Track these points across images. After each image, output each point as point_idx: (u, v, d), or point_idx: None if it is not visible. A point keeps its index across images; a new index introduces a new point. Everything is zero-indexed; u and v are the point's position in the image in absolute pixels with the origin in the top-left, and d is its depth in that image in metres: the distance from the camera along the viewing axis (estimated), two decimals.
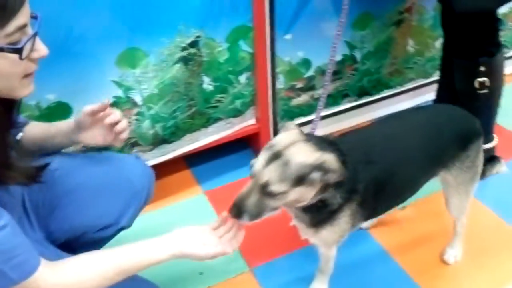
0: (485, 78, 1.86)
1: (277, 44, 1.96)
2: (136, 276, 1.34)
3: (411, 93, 2.41)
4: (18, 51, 0.93)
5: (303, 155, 1.15)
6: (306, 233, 1.38)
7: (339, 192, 1.24)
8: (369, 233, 1.84)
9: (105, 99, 1.26)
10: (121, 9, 1.59)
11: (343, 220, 1.31)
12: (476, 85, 1.88)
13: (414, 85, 2.43)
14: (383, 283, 1.65)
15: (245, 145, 2.31)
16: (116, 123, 1.27)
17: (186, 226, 1.23)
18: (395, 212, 1.89)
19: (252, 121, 2.13)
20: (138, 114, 1.81)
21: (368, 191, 1.30)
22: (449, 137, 1.43)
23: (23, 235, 1.03)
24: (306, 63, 2.09)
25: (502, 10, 2.45)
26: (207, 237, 1.21)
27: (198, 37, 1.78)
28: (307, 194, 1.18)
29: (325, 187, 1.19)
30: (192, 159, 2.18)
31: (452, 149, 1.45)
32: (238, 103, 2.02)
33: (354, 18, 2.08)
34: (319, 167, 1.14)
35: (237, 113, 2.06)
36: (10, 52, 0.92)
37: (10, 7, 0.90)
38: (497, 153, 2.07)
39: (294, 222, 1.39)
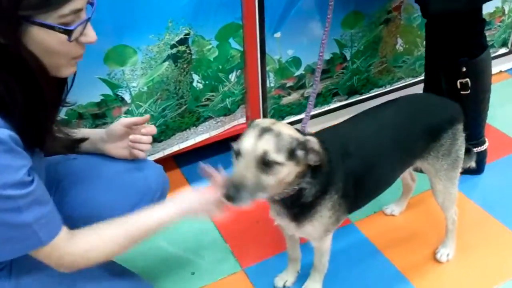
0: (466, 79, 1.85)
1: (267, 42, 1.95)
2: (132, 276, 1.31)
3: (400, 91, 2.42)
4: (68, 32, 0.96)
5: (290, 130, 1.17)
6: (290, 229, 1.37)
7: (316, 183, 1.23)
8: (363, 233, 1.83)
9: (146, 115, 1.36)
10: (109, 6, 1.56)
11: (324, 214, 1.30)
12: (458, 85, 1.87)
13: (403, 84, 2.44)
14: (376, 282, 1.64)
15: None
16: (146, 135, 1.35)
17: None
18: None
19: (243, 120, 2.11)
20: (127, 112, 1.78)
21: (348, 183, 1.31)
22: (420, 130, 1.44)
23: (49, 195, 1.05)
24: (296, 61, 2.08)
25: (489, 9, 2.47)
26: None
27: (187, 34, 1.76)
28: (291, 174, 1.17)
29: (303, 174, 1.20)
30: (182, 159, 2.15)
31: (424, 141, 1.45)
32: (228, 101, 2.00)
33: (343, 16, 2.08)
34: (303, 144, 1.16)
35: (227, 111, 2.04)
36: (60, 32, 0.95)
37: None
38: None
39: (277, 221, 1.37)
